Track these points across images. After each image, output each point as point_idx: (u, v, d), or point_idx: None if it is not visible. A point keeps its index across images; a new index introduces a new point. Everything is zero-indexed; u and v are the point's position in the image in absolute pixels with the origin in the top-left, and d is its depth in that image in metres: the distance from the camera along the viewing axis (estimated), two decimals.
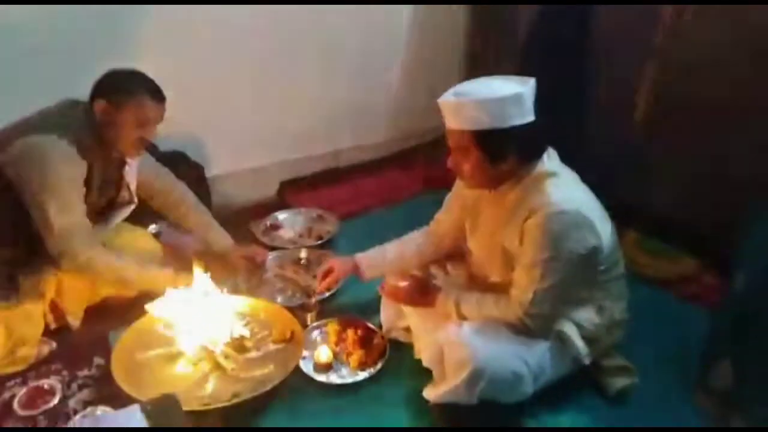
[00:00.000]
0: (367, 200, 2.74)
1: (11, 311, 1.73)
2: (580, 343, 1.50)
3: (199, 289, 1.70)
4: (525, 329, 1.47)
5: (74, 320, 1.88)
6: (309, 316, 1.89)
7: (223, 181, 2.64)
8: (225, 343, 1.67)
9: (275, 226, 2.51)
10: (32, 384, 1.67)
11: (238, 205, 2.67)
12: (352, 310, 1.95)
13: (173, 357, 1.67)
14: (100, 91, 1.71)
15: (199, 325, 1.67)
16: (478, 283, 1.70)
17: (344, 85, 2.86)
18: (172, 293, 1.68)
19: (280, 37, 2.59)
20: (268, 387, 1.54)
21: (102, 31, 2.19)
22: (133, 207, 2.00)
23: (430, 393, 1.55)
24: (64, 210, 1.67)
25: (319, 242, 2.39)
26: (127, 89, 1.70)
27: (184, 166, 2.39)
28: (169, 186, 2.07)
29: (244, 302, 1.87)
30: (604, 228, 1.46)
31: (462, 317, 1.55)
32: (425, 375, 1.61)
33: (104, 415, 1.15)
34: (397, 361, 1.74)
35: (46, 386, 1.66)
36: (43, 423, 1.55)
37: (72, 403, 1.62)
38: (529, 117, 1.41)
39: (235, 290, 1.99)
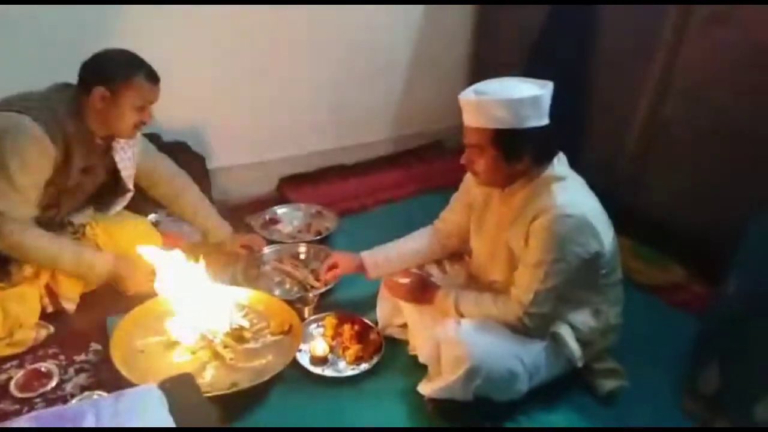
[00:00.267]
0: (366, 198, 2.75)
1: (5, 292, 1.74)
2: (574, 345, 1.53)
3: (194, 280, 1.71)
4: (523, 328, 1.49)
5: (69, 305, 1.88)
6: (306, 310, 1.91)
7: (223, 175, 2.65)
8: (224, 333, 1.69)
9: (274, 221, 2.52)
10: (29, 367, 1.68)
11: (238, 198, 2.68)
12: (349, 305, 1.97)
13: (172, 345, 1.68)
14: (98, 78, 1.69)
15: (198, 315, 1.69)
16: (476, 283, 1.72)
17: (347, 82, 2.87)
18: (174, 263, 1.70)
19: (283, 33, 2.60)
20: (266, 377, 1.56)
21: (104, 24, 2.18)
22: (130, 195, 2.01)
23: (425, 388, 1.58)
24: (3, 193, 1.65)
25: (318, 238, 2.40)
26: (125, 75, 1.69)
27: (186, 156, 2.39)
28: (170, 175, 2.08)
29: (243, 294, 1.89)
30: (607, 234, 1.50)
31: (460, 315, 1.58)
32: (420, 371, 1.64)
33: (122, 392, 1.15)
34: (392, 357, 1.76)
35: (43, 369, 1.67)
36: (40, 406, 1.56)
37: (69, 387, 1.63)
38: (545, 120, 1.45)
39: (234, 282, 2.01)
